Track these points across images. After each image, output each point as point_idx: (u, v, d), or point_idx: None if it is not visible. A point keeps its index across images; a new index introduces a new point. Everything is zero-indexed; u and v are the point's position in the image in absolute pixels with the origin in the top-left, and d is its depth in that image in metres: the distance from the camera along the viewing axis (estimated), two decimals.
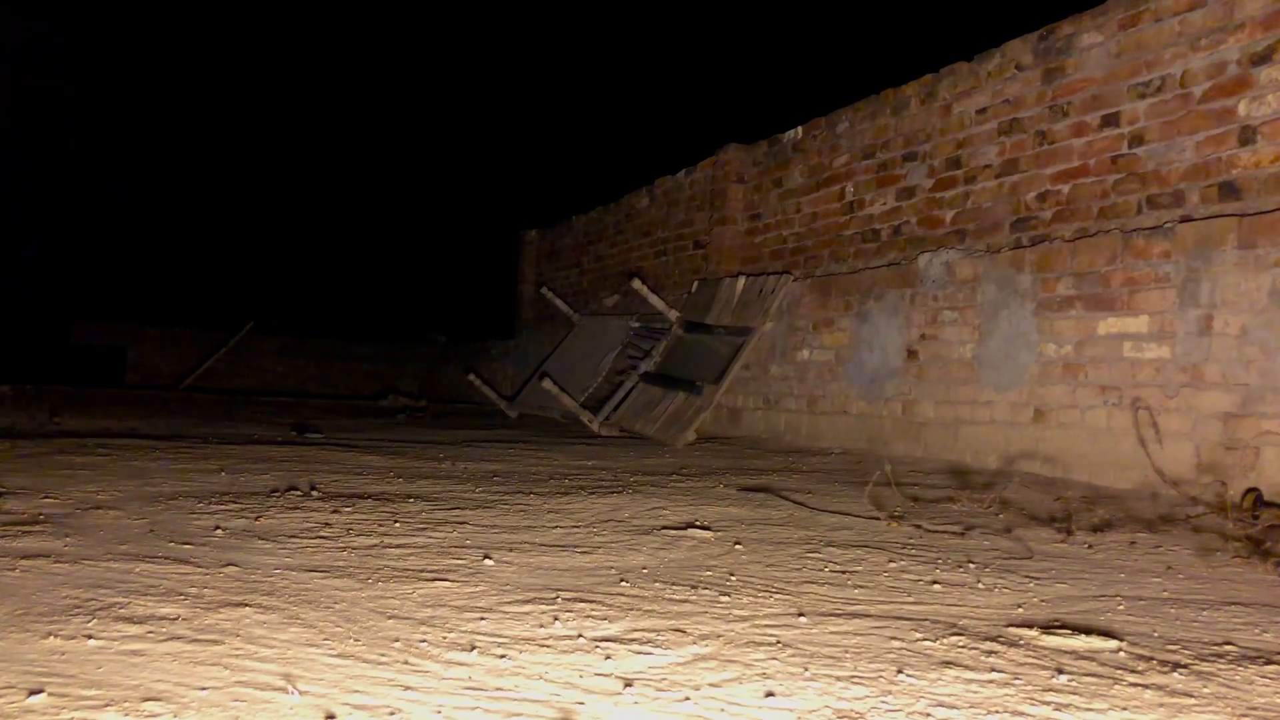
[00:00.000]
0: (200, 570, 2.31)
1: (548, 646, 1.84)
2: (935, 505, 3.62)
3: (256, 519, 2.97)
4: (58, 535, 2.59)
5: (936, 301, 5.12)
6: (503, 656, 1.77)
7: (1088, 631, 2.00)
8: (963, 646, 1.90)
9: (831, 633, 1.99)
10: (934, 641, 1.93)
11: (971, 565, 2.65)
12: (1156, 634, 2.04)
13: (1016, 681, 1.71)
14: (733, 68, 17.49)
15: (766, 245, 6.99)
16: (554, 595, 2.21)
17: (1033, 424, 4.50)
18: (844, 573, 2.54)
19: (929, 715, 1.55)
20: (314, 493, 3.49)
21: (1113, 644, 1.93)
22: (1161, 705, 1.62)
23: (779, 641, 1.92)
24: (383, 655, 1.75)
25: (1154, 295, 3.98)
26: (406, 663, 1.72)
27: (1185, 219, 3.96)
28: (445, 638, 1.87)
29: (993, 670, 1.77)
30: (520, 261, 11.80)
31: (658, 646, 1.86)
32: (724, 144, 7.42)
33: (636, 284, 8.02)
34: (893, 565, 2.64)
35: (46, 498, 3.14)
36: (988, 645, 1.92)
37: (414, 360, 14.79)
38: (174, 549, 2.52)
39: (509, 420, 8.46)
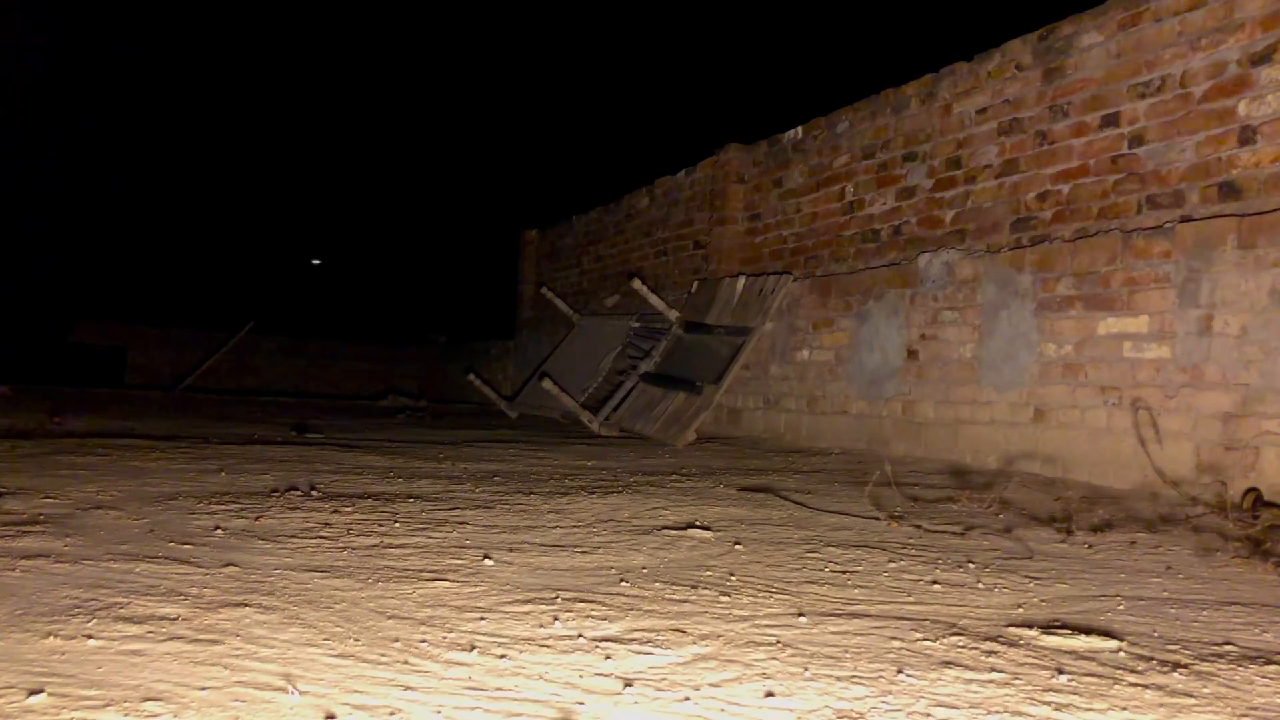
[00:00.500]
0: (200, 570, 2.30)
1: (548, 646, 1.84)
2: (935, 505, 3.62)
3: (256, 519, 2.97)
4: (58, 535, 2.59)
5: (936, 301, 5.12)
6: (503, 656, 1.77)
7: (1088, 631, 2.00)
8: (963, 646, 1.90)
9: (831, 633, 1.99)
10: (934, 641, 1.93)
11: (971, 565, 2.65)
12: (1156, 634, 2.04)
13: (1016, 681, 1.71)
14: (733, 68, 17.51)
15: (766, 245, 6.99)
16: (554, 595, 2.21)
17: (1033, 424, 4.50)
18: (844, 573, 2.54)
19: (929, 715, 1.55)
20: (314, 493, 3.49)
21: (1113, 644, 1.93)
22: (1161, 705, 1.62)
23: (779, 641, 1.92)
24: (383, 655, 1.75)
25: (1154, 295, 3.98)
26: (406, 663, 1.71)
27: (1185, 219, 3.96)
28: (445, 638, 1.87)
29: (993, 670, 1.77)
30: (520, 261, 11.80)
31: (658, 646, 1.86)
32: (724, 144, 7.43)
33: (636, 284, 8.02)
34: (893, 565, 2.64)
35: (46, 498, 3.14)
36: (988, 645, 1.92)
37: (414, 360, 14.78)
38: (174, 549, 2.52)
39: (509, 420, 8.46)
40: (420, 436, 6.12)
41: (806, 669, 1.75)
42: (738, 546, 2.82)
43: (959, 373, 4.96)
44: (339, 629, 1.89)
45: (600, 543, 2.85)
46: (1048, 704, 1.61)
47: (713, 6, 17.98)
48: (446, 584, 2.29)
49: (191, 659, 1.67)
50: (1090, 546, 2.94)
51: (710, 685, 1.65)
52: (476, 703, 1.54)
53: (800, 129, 6.67)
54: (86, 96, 16.78)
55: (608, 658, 1.78)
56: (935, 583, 2.45)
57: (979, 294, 4.85)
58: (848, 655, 1.84)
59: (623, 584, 2.35)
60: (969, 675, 1.74)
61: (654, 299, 7.85)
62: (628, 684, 1.64)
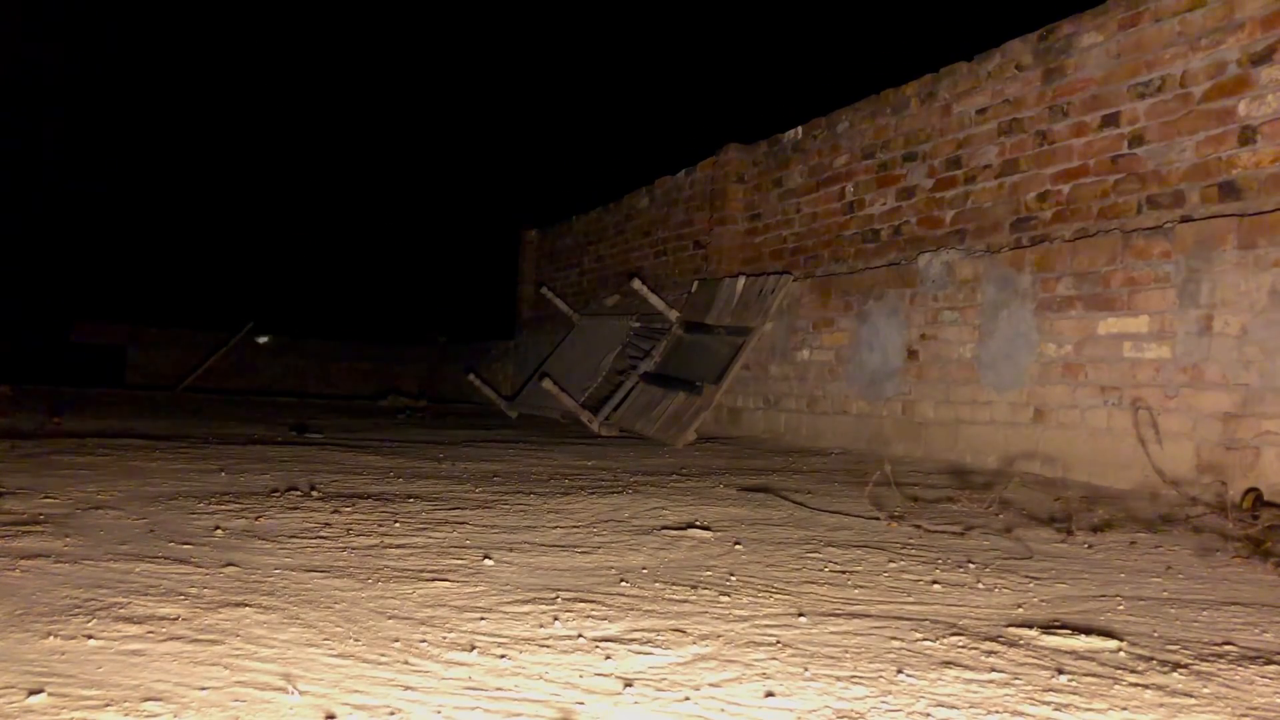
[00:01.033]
0: (200, 570, 2.30)
1: (548, 646, 1.84)
2: (935, 505, 3.62)
3: (256, 519, 2.97)
4: (58, 535, 2.59)
5: (936, 301, 5.12)
6: (503, 656, 1.77)
7: (1088, 631, 2.00)
8: (963, 646, 1.90)
9: (831, 633, 1.99)
10: (934, 641, 1.93)
11: (971, 565, 2.65)
12: (1156, 634, 2.04)
13: (1016, 681, 1.71)
14: (733, 68, 17.50)
15: (766, 245, 6.99)
16: (554, 595, 2.21)
17: (1032, 424, 4.50)
18: (844, 573, 2.54)
19: (929, 715, 1.55)
20: (314, 493, 3.49)
21: (1113, 644, 1.93)
22: (1161, 705, 1.62)
23: (779, 641, 1.92)
24: (383, 655, 1.75)
25: (1154, 295, 3.98)
26: (406, 663, 1.72)
27: (1185, 219, 3.96)
28: (445, 638, 1.87)
29: (993, 670, 1.77)
30: (520, 261, 11.80)
31: (658, 646, 1.86)
32: (724, 144, 7.43)
33: (636, 284, 8.02)
34: (893, 565, 2.64)
35: (46, 498, 3.14)
36: (988, 645, 1.92)
37: (414, 360, 14.78)
38: (174, 549, 2.52)
39: (509, 420, 8.46)
40: (420, 436, 6.13)
41: (806, 669, 1.75)
42: (738, 546, 2.82)
43: (959, 373, 4.96)
44: (339, 629, 1.89)
45: (600, 543, 2.85)
46: (1048, 704, 1.61)
47: (712, 7, 17.99)
48: (446, 584, 2.29)
49: (191, 659, 1.67)
50: (1090, 546, 2.94)
51: (710, 685, 1.65)
52: (476, 703, 1.54)
53: (800, 129, 6.67)
54: (86, 96, 16.79)
55: (608, 658, 1.78)
56: (935, 583, 2.45)
57: (979, 294, 4.85)
58: (848, 655, 1.84)
59: (623, 584, 2.35)
60: (969, 675, 1.74)
61: (654, 299, 7.85)
62: (628, 684, 1.64)
